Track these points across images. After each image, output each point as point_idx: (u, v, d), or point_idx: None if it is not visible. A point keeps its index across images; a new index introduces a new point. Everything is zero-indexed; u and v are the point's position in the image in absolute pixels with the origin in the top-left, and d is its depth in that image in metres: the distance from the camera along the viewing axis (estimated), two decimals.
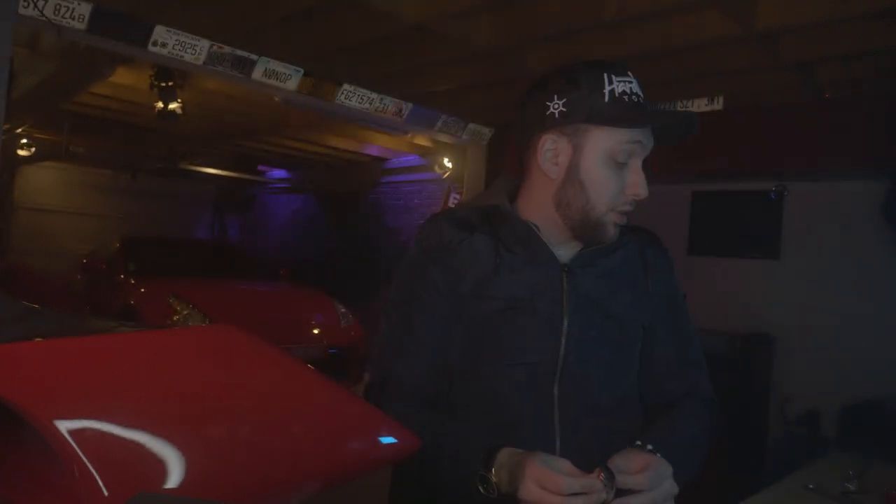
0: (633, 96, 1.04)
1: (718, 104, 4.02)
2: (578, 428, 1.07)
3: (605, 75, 1.03)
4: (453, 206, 1.28)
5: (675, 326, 1.18)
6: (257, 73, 3.96)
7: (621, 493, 0.86)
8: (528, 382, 1.07)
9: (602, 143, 1.04)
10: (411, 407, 1.07)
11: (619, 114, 1.03)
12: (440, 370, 1.11)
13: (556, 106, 1.05)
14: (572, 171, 1.06)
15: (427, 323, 1.11)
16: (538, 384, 1.07)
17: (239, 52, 3.84)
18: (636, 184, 1.05)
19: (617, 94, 1.03)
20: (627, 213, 1.08)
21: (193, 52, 3.65)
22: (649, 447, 0.95)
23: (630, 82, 1.04)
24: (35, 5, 3.04)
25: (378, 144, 7.32)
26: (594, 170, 1.05)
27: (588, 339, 1.09)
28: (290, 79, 4.12)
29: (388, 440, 0.87)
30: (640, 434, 1.02)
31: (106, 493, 0.62)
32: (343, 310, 5.78)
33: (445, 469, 0.99)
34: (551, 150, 1.07)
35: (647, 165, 1.08)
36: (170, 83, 4.89)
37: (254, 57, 3.90)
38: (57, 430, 0.63)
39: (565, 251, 1.12)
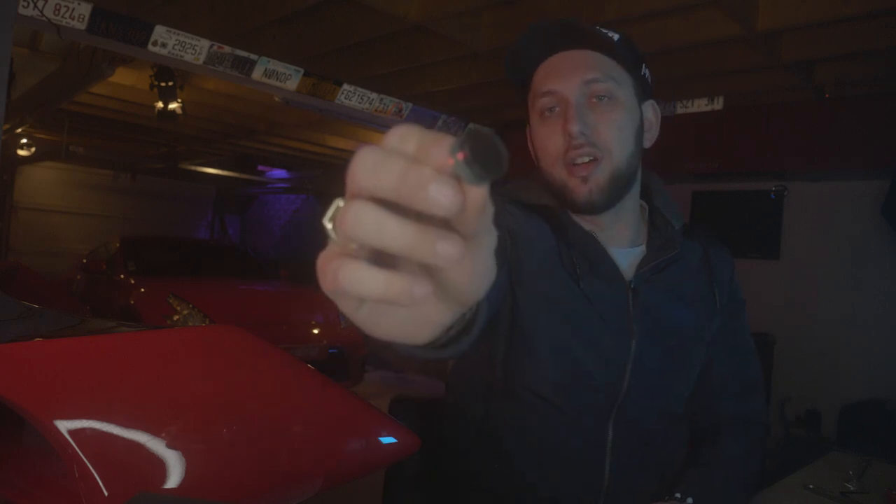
0: (538, 29, 0.93)
1: (718, 104, 4.02)
2: (630, 461, 0.95)
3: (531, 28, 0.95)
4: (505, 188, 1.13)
5: (735, 340, 1.06)
6: (257, 73, 3.96)
7: None
8: (584, 413, 0.94)
9: (530, 100, 0.99)
10: None
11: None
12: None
13: None
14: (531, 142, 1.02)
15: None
16: (594, 416, 0.94)
17: (239, 52, 3.83)
18: (565, 121, 0.92)
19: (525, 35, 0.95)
20: (586, 169, 0.92)
21: (193, 52, 3.65)
22: (689, 500, 0.87)
23: (550, 22, 0.93)
24: (35, 5, 3.04)
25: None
26: (533, 130, 0.99)
27: (654, 365, 0.96)
28: (290, 79, 4.11)
29: (388, 440, 0.87)
30: (681, 481, 0.92)
31: (106, 493, 0.62)
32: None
33: None
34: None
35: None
36: (170, 83, 4.88)
37: (254, 57, 3.90)
38: (57, 430, 0.63)
39: (625, 256, 0.98)
